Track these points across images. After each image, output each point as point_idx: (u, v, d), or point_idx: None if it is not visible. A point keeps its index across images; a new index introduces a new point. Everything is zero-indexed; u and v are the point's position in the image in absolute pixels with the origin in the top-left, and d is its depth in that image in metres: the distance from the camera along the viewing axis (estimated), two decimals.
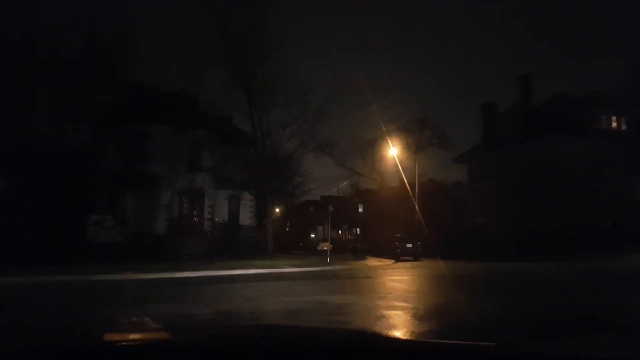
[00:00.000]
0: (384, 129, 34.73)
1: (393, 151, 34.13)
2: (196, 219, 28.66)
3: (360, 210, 25.75)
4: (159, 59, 39.44)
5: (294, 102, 23.07)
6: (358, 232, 52.54)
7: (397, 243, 25.83)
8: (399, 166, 35.11)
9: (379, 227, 34.75)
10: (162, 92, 25.64)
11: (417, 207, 31.89)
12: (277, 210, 50.83)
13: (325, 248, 35.78)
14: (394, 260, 23.67)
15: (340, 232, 57.93)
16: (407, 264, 21.53)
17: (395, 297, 9.34)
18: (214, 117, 24.73)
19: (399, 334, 5.85)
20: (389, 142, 33.95)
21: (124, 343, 1.82)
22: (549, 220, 26.00)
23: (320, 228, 64.16)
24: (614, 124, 31.08)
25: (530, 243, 24.70)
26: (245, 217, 30.43)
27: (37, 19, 18.69)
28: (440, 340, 2.79)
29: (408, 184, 34.34)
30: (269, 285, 12.49)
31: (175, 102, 25.75)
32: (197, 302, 8.84)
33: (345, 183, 44.48)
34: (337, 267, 19.09)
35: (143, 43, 27.60)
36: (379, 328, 6.11)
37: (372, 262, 22.79)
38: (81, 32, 19.58)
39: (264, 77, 23.19)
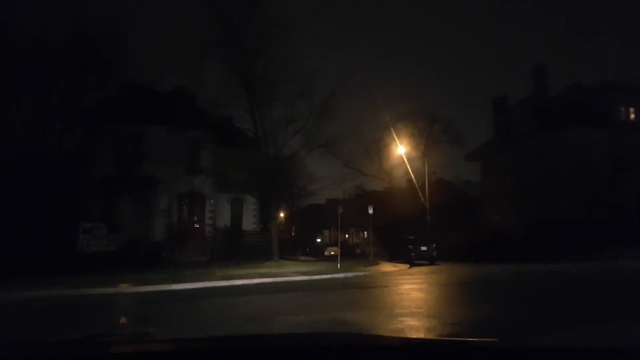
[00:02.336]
0: (390, 126, 33.33)
1: (401, 149, 32.68)
2: (196, 225, 27.20)
3: (371, 211, 24.16)
4: (154, 53, 38.04)
5: (297, 96, 21.54)
6: (365, 235, 51.08)
7: (410, 246, 24.23)
8: (407, 165, 33.67)
9: (389, 230, 33.21)
10: (158, 91, 24.21)
11: (428, 208, 30.44)
12: (282, 214, 49.49)
13: (333, 253, 34.47)
14: (408, 265, 22.09)
15: (347, 235, 56.36)
16: (424, 269, 19.94)
17: (428, 313, 7.75)
18: (213, 117, 23.28)
19: None
20: (397, 140, 32.51)
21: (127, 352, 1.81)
22: (571, 215, 24.45)
23: (326, 232, 62.69)
24: (633, 115, 29.59)
25: (553, 241, 23.11)
26: (249, 221, 29.02)
27: (19, 8, 17.22)
28: (445, 338, 2.96)
29: (417, 183, 32.88)
30: (275, 298, 10.94)
31: (172, 100, 24.39)
32: (187, 325, 7.30)
33: (352, 183, 42.93)
34: (349, 274, 17.52)
35: (136, 35, 26.42)
36: None
37: (386, 267, 21.20)
38: (67, 23, 18.06)
39: (265, 70, 21.68)
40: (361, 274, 17.90)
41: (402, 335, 5.97)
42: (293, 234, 55.20)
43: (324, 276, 16.70)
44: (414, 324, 6.81)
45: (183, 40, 20.56)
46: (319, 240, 59.24)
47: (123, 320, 8.67)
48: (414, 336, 6.05)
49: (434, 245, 24.55)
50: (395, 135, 32.16)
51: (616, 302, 8.36)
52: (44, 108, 17.91)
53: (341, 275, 17.16)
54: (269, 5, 21.24)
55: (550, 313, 7.47)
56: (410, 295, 10.49)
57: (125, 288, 13.70)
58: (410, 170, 33.53)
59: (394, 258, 26.27)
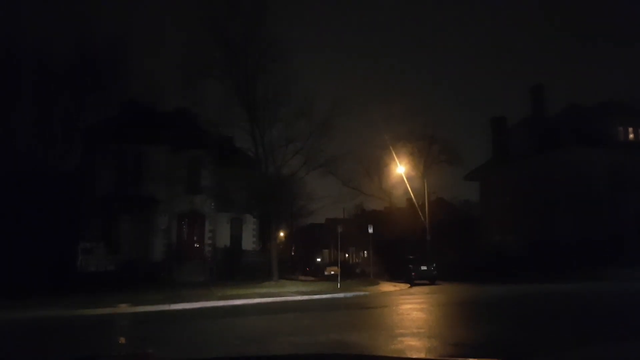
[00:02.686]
0: (390, 146, 33.42)
1: (400, 169, 32.74)
2: (196, 244, 27.11)
3: (371, 231, 24.10)
4: (155, 73, 38.52)
5: (297, 116, 21.77)
6: (365, 254, 50.83)
7: (411, 266, 24.09)
8: (407, 185, 33.71)
9: (389, 249, 33.10)
10: (159, 110, 24.37)
11: (428, 228, 30.37)
12: (282, 233, 49.40)
13: (333, 272, 34.30)
14: (409, 285, 21.95)
15: (347, 255, 56.08)
16: (425, 289, 19.82)
17: (429, 334, 7.70)
18: (213, 136, 23.42)
19: None
20: (396, 160, 32.59)
21: None
22: (571, 236, 24.42)
23: (326, 251, 62.42)
24: (631, 135, 29.78)
25: (553, 261, 23.04)
26: (248, 241, 28.93)
27: (21, 30, 17.49)
28: (446, 358, 3.01)
29: (417, 203, 32.86)
30: (275, 318, 10.86)
31: (173, 120, 24.56)
32: (185, 346, 7.24)
33: (352, 203, 42.90)
34: (349, 293, 17.41)
35: (137, 56, 26.75)
36: None
37: (386, 287, 21.07)
38: (69, 43, 18.34)
39: (265, 90, 21.94)
40: (361, 293, 17.79)
41: (403, 356, 5.92)
42: (293, 253, 54.92)
43: (324, 296, 16.59)
44: (414, 344, 6.76)
45: (184, 61, 20.75)
46: (318, 259, 58.97)
47: (122, 340, 8.60)
48: (414, 356, 6.01)
49: (435, 265, 24.44)
50: (394, 155, 32.24)
51: (617, 323, 8.31)
52: (45, 127, 18.03)
53: (341, 295, 17.05)
54: (269, 26, 21.60)
55: (551, 334, 7.42)
56: (410, 316, 10.42)
57: (123, 308, 13.60)
58: (410, 189, 33.58)
59: (394, 278, 26.11)
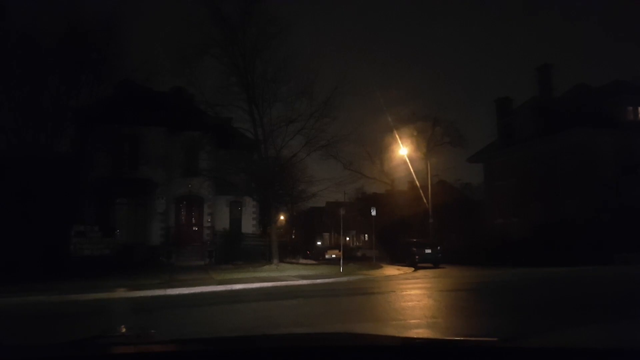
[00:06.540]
0: (392, 128, 32.69)
1: (403, 151, 32.05)
2: (195, 228, 26.55)
3: (374, 213, 23.55)
4: (150, 51, 37.40)
5: (297, 95, 20.94)
6: (366, 238, 50.41)
7: (414, 249, 23.60)
8: (410, 167, 33.05)
9: (390, 232, 32.59)
10: (155, 90, 23.53)
11: (430, 211, 29.81)
12: (282, 217, 48.85)
13: (334, 255, 33.88)
14: (412, 269, 21.46)
15: (347, 238, 55.68)
16: (429, 273, 19.34)
17: (446, 324, 7.12)
18: (211, 117, 22.63)
19: None
20: (399, 142, 31.86)
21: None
22: (576, 219, 23.82)
23: (326, 235, 62.03)
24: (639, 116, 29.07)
25: (559, 245, 22.48)
26: (248, 224, 28.38)
27: (8, 3, 16.58)
28: (445, 338, 2.82)
29: (420, 186, 32.22)
30: (275, 305, 10.28)
31: (170, 101, 23.75)
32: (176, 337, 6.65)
33: (353, 186, 42.18)
34: (352, 277, 16.91)
35: (132, 33, 25.50)
36: None
37: (390, 270, 20.57)
38: (59, 19, 17.37)
39: (264, 69, 21.09)
40: (365, 277, 17.28)
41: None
42: (293, 237, 54.54)
43: (327, 280, 16.08)
44: (431, 337, 6.18)
45: (181, 39, 19.98)
46: (319, 243, 58.66)
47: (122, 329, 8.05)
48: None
49: (439, 248, 23.97)
50: (397, 137, 31.51)
51: (619, 306, 7.86)
52: (35, 108, 17.22)
53: (344, 279, 16.54)
54: (268, 3, 20.74)
55: (565, 317, 6.90)
56: (421, 303, 9.84)
57: (116, 293, 13.07)
58: (412, 172, 32.93)
59: (396, 261, 25.64)
